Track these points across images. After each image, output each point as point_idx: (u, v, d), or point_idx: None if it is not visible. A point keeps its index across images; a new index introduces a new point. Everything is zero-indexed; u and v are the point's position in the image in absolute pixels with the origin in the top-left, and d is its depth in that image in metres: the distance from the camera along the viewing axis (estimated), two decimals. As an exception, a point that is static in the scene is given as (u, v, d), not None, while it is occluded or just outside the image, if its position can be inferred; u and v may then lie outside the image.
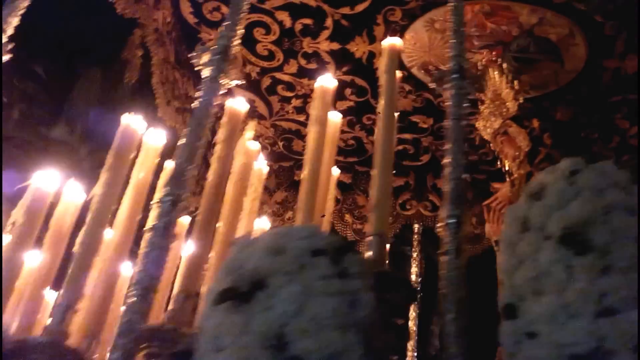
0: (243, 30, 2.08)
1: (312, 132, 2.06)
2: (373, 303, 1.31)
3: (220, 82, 1.86)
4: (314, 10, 3.28)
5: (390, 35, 2.26)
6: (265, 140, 4.05)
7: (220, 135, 2.07)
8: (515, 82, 3.36)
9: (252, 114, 3.75)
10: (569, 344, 1.20)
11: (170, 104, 3.35)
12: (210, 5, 3.34)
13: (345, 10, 3.25)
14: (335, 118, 2.34)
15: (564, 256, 1.30)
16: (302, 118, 3.90)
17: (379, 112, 2.06)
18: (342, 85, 3.68)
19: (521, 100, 3.36)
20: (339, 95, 3.75)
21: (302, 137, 4.02)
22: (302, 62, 3.58)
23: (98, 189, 1.95)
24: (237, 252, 1.38)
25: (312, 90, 3.61)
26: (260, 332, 1.20)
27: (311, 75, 3.63)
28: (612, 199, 1.37)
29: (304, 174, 1.96)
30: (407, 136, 3.97)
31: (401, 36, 3.35)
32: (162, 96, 3.29)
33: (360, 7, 3.23)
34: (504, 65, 3.34)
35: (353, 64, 3.55)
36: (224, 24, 2.06)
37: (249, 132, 2.26)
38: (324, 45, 3.47)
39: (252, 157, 2.25)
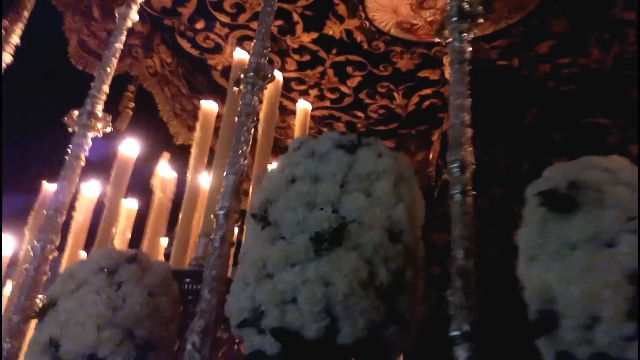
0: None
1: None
2: (138, 304, 1.65)
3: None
4: (279, 13, 3.52)
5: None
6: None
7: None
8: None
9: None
10: (238, 309, 1.42)
11: (191, 129, 3.87)
12: (201, 36, 3.79)
13: (302, 2, 3.45)
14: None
15: (254, 231, 1.50)
16: (326, 104, 4.15)
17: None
18: (342, 66, 3.87)
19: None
20: (345, 75, 3.95)
21: (337, 119, 4.29)
22: (296, 57, 3.84)
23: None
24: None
25: (319, 77, 3.92)
26: (44, 341, 1.63)
27: (311, 65, 3.89)
28: (292, 173, 1.52)
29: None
30: (427, 91, 3.98)
31: (363, 5, 3.45)
32: (177, 126, 3.83)
33: (312, -4, 3.41)
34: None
35: (338, 46, 3.72)
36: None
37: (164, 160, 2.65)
38: (305, 37, 3.69)
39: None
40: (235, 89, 2.03)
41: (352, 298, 1.33)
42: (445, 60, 3.32)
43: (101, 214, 2.39)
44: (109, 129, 2.27)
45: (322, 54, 3.79)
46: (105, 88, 2.31)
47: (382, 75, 3.89)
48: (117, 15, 2.48)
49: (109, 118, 2.27)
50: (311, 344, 1.33)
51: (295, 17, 3.56)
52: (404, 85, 3.94)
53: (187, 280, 1.91)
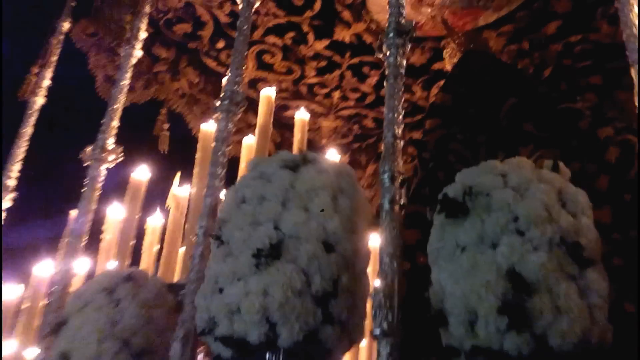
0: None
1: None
2: (134, 317, 1.91)
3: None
4: (289, 26, 3.73)
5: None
6: (340, 132, 4.55)
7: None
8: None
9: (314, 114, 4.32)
10: (199, 319, 1.63)
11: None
12: (224, 54, 4.04)
13: (308, 14, 3.62)
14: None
15: (212, 249, 1.71)
16: (350, 103, 4.30)
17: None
18: (359, 67, 4.01)
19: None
20: (363, 76, 4.09)
21: (364, 116, 4.42)
22: (314, 64, 4.01)
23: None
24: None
25: (339, 79, 4.08)
26: (57, 355, 1.91)
27: (329, 70, 4.06)
28: (243, 194, 1.71)
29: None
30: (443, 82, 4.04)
31: (365, 9, 3.58)
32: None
33: (316, 6, 3.57)
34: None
35: (351, 49, 3.86)
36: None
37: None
38: (318, 45, 3.86)
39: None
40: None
41: (287, 306, 1.51)
42: (445, 54, 3.39)
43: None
44: (120, 159, 2.54)
45: (337, 58, 3.94)
46: (115, 123, 2.59)
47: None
48: (121, 54, 2.75)
49: (120, 149, 2.55)
50: (256, 347, 1.53)
51: (305, 27, 3.73)
52: (420, 79, 4.02)
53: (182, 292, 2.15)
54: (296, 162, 1.74)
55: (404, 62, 1.87)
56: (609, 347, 1.28)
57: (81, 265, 2.72)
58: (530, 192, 1.33)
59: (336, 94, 4.25)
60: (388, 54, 1.89)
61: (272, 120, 2.74)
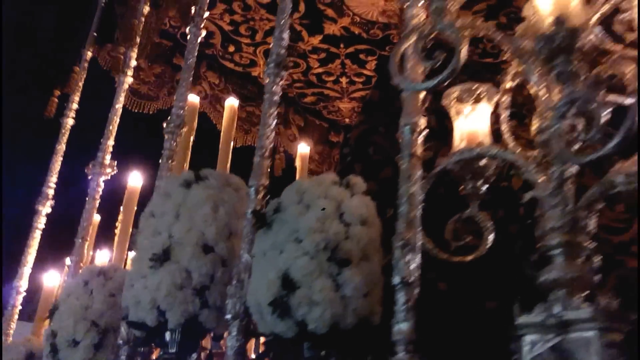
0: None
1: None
2: (101, 303, 2.48)
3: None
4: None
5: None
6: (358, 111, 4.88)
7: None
8: None
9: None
10: (122, 308, 2.15)
11: (247, 132, 4.66)
12: (237, 56, 4.50)
13: (296, 15, 3.97)
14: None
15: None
16: (359, 86, 4.62)
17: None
18: (355, 55, 4.31)
19: None
20: (362, 62, 4.38)
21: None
22: (315, 56, 4.37)
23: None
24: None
25: (342, 67, 4.39)
26: (48, 333, 2.53)
27: (330, 60, 4.39)
28: (152, 210, 2.19)
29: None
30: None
31: (344, 5, 3.87)
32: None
33: (301, 8, 3.92)
34: None
35: (343, 41, 4.17)
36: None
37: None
38: (313, 40, 4.21)
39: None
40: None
41: (170, 297, 1.99)
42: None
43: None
44: (115, 172, 3.13)
45: (334, 49, 4.27)
46: (110, 142, 3.17)
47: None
48: (116, 81, 3.31)
49: (114, 163, 3.13)
50: (153, 329, 2.03)
51: (298, 27, 4.09)
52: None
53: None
54: (190, 181, 2.19)
55: (279, 90, 2.22)
56: (377, 325, 1.63)
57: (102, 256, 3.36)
58: (312, 207, 1.69)
59: (344, 80, 4.59)
60: (267, 81, 2.25)
61: (234, 127, 3.15)
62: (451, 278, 1.98)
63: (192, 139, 2.95)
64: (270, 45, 2.33)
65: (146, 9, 3.52)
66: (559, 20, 1.36)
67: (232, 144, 3.08)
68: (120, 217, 3.10)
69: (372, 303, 1.65)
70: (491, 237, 1.68)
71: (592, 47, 1.39)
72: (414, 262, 1.48)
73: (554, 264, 1.33)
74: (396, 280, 1.46)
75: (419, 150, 1.63)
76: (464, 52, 1.46)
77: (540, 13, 1.45)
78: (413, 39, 1.55)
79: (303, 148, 3.45)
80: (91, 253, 3.25)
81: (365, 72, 4.47)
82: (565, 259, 1.33)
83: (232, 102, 3.16)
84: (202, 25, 2.94)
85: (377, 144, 2.75)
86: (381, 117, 2.86)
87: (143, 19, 3.49)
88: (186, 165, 2.86)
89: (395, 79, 1.53)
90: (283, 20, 2.34)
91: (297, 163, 3.36)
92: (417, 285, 1.47)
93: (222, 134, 3.16)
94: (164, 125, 2.70)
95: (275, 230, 1.73)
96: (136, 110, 4.18)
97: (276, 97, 2.21)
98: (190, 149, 2.95)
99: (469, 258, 1.65)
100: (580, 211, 1.36)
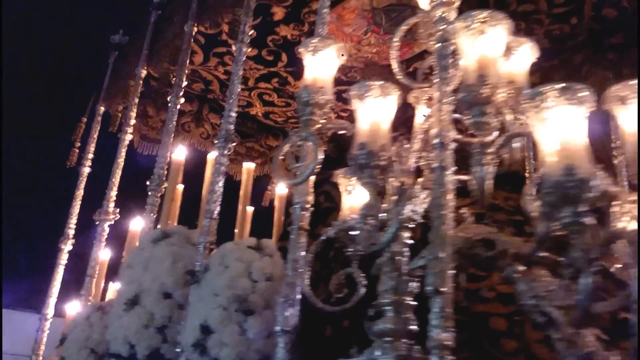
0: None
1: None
2: (99, 333, 3.05)
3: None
4: (271, 74, 4.61)
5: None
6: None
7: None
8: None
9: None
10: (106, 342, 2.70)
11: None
12: (237, 98, 5.03)
13: (280, 65, 4.46)
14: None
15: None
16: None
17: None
18: (338, 95, 4.75)
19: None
20: (346, 101, 4.81)
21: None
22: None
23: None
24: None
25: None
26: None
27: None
28: (130, 261, 2.73)
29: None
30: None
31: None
32: (234, 168, 5.15)
33: (284, 58, 4.40)
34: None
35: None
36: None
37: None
38: (300, 83, 4.69)
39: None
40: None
41: (138, 334, 2.52)
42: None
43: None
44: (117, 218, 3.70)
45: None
46: (113, 193, 3.74)
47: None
48: (119, 137, 3.88)
49: (117, 210, 3.70)
50: (127, 358, 2.57)
51: (283, 74, 4.59)
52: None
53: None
54: (157, 238, 2.72)
55: (226, 161, 2.73)
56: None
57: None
58: (228, 268, 2.19)
59: (333, 117, 5.04)
60: (217, 153, 2.76)
61: (251, 189, 3.56)
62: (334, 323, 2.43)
63: (180, 191, 3.47)
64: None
65: (143, 73, 4.09)
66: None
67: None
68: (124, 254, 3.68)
69: (274, 342, 2.13)
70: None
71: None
72: (293, 315, 1.95)
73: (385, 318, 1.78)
74: (277, 329, 1.94)
75: (305, 224, 2.10)
76: (320, 155, 1.92)
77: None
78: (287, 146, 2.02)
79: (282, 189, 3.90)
80: (102, 285, 3.84)
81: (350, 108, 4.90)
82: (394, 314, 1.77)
83: (249, 166, 3.55)
84: (180, 94, 3.45)
85: (327, 192, 3.23)
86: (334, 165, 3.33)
87: (140, 82, 4.06)
88: (175, 216, 3.38)
89: (274, 175, 2.01)
90: (232, 100, 2.85)
91: (276, 203, 3.82)
92: (295, 332, 1.94)
93: (240, 194, 3.53)
94: (147, 183, 3.23)
95: (202, 286, 2.24)
96: (146, 153, 4.77)
97: (223, 168, 2.71)
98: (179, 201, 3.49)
99: (338, 308, 2.10)
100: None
